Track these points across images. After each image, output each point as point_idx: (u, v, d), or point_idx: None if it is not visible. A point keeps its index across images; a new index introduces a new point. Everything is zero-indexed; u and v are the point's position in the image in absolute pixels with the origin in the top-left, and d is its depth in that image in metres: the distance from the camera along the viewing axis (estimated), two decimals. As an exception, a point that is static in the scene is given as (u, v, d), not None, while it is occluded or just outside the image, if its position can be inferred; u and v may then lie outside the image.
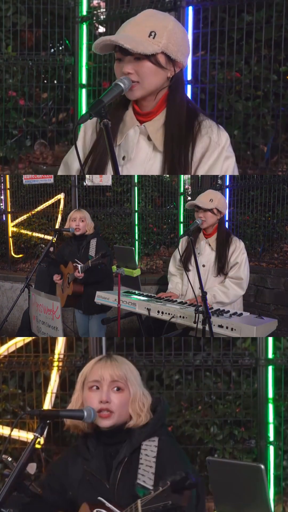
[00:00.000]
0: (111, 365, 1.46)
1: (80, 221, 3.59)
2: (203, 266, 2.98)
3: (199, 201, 2.93)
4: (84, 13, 4.46)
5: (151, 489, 1.27)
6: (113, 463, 1.42)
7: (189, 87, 4.01)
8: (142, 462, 1.38)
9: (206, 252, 2.99)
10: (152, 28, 1.52)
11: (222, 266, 2.91)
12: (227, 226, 4.88)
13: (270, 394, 2.91)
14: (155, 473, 1.35)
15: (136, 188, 5.85)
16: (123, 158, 1.66)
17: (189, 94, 3.96)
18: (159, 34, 1.51)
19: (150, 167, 1.64)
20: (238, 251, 2.91)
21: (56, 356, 3.15)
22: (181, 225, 6.04)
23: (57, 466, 1.56)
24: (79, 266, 3.40)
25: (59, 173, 1.84)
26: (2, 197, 6.44)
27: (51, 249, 3.40)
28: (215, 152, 1.60)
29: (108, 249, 3.58)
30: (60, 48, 4.82)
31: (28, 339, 3.27)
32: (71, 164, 1.80)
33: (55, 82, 4.67)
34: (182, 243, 3.18)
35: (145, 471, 1.36)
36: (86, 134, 1.77)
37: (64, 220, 6.10)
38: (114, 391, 1.44)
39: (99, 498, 1.34)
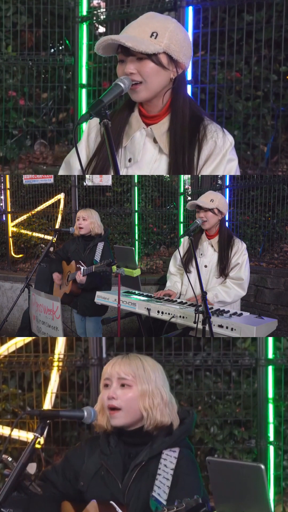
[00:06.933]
0: (120, 362, 1.46)
1: (82, 220, 3.57)
2: (205, 266, 2.99)
3: (200, 201, 2.94)
4: (84, 13, 4.46)
5: (164, 504, 1.28)
6: (131, 465, 1.41)
7: (189, 87, 4.00)
8: (160, 473, 1.37)
9: (209, 253, 3.00)
10: (154, 29, 1.53)
11: (224, 267, 2.92)
12: (227, 226, 4.89)
13: (270, 394, 2.91)
14: (170, 486, 1.35)
15: (136, 188, 5.85)
16: (129, 160, 1.68)
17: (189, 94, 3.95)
18: (161, 34, 1.53)
19: (156, 168, 1.66)
20: (239, 252, 2.92)
21: (56, 356, 3.15)
22: (181, 225, 6.05)
23: (75, 454, 1.54)
24: (82, 268, 3.37)
25: (60, 172, 1.84)
26: (2, 197, 6.44)
27: (51, 249, 3.39)
28: (219, 156, 1.62)
29: (111, 257, 3.54)
30: (60, 48, 4.82)
31: (28, 339, 3.27)
32: (73, 164, 1.80)
33: (55, 82, 4.67)
34: (184, 244, 3.18)
35: (161, 483, 1.35)
36: (89, 136, 1.78)
37: (64, 220, 6.11)
38: (120, 387, 1.43)
39: (111, 502, 1.33)
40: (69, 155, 1.84)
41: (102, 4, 5.26)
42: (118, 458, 1.44)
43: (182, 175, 5.86)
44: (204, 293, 2.33)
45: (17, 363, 3.17)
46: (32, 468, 1.38)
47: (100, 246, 3.55)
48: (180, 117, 1.63)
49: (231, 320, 2.45)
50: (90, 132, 1.78)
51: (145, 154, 1.67)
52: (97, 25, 4.97)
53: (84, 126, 1.82)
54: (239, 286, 2.89)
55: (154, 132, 1.65)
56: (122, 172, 1.68)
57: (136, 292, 3.21)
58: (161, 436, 1.42)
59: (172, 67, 1.59)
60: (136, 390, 1.43)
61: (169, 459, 1.38)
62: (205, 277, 2.95)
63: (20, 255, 6.30)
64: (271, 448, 2.90)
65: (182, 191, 6.08)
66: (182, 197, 6.07)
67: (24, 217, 6.25)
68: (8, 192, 6.28)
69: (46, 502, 1.45)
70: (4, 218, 6.35)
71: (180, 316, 2.62)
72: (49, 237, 5.90)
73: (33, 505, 1.38)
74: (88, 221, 3.57)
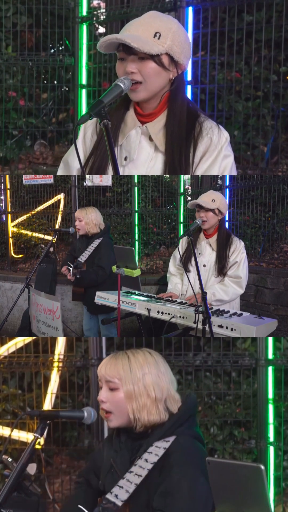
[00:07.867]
0: (107, 363, 1.44)
1: (78, 221, 3.59)
2: (204, 266, 2.99)
3: (201, 200, 2.94)
4: (84, 13, 4.46)
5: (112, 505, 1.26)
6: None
7: (189, 87, 4.00)
8: (133, 470, 1.32)
9: (207, 253, 3.00)
10: (157, 29, 1.53)
11: (222, 266, 2.92)
12: (227, 226, 4.89)
13: (270, 395, 2.91)
14: (143, 482, 1.30)
15: (136, 188, 5.85)
16: (125, 158, 1.67)
17: (189, 95, 3.95)
18: (164, 35, 1.53)
19: (152, 167, 1.66)
20: (237, 251, 2.92)
21: (56, 357, 3.15)
22: (181, 225, 6.05)
23: (97, 453, 1.59)
24: (70, 269, 3.41)
25: (59, 172, 1.84)
26: (2, 197, 6.43)
27: (51, 249, 3.41)
28: (214, 152, 1.62)
29: (110, 252, 3.53)
30: (60, 48, 4.82)
31: (28, 339, 3.27)
32: (71, 163, 1.80)
33: (55, 82, 4.67)
34: (182, 243, 3.18)
35: (128, 481, 1.30)
36: (85, 134, 1.78)
37: (64, 220, 6.11)
38: (109, 390, 1.41)
39: (79, 506, 1.39)
40: (66, 154, 1.83)
41: (102, 5, 5.27)
42: (125, 455, 1.43)
43: (182, 175, 5.85)
44: (204, 293, 2.33)
45: (17, 364, 3.17)
46: (32, 468, 1.38)
47: (94, 244, 3.57)
48: (178, 115, 1.63)
49: (231, 320, 2.45)
50: (86, 131, 1.78)
51: (141, 152, 1.66)
52: (97, 26, 4.97)
53: (83, 125, 1.81)
54: (237, 284, 2.89)
55: (150, 130, 1.65)
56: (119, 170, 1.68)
57: (136, 292, 3.21)
58: (157, 429, 1.39)
59: (173, 68, 1.59)
60: (122, 392, 1.39)
61: (154, 452, 1.33)
62: (204, 277, 2.95)
63: (20, 255, 6.29)
64: (271, 449, 2.89)
65: (182, 191, 6.07)
66: (182, 197, 6.06)
67: (24, 217, 6.25)
68: (8, 192, 6.27)
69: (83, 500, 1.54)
70: (4, 218, 6.35)
71: (180, 316, 2.62)
72: (49, 237, 5.90)
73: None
74: (83, 221, 3.60)
